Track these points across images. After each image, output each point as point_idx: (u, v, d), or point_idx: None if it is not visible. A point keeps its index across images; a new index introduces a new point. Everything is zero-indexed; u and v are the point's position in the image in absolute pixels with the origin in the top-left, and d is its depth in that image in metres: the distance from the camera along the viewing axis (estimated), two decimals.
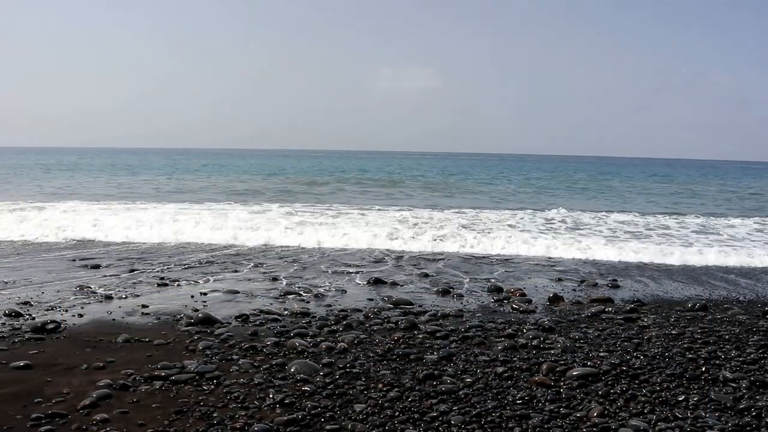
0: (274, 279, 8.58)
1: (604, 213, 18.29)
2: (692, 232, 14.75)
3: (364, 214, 16.48)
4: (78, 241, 11.96)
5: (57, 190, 24.12)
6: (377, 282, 8.44)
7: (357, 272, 9.27)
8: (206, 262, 9.83)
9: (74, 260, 9.67)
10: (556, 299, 7.61)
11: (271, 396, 4.15)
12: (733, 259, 11.14)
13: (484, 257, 11.18)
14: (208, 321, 6.08)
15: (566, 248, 11.84)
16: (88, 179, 31.82)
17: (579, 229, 14.80)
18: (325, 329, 5.88)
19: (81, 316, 6.26)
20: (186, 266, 9.44)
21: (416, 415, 3.86)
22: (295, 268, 9.56)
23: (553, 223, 15.66)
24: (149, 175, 36.75)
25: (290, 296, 7.49)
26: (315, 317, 6.39)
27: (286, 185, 29.77)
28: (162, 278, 8.36)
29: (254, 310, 6.67)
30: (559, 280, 9.05)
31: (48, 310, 6.45)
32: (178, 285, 8.02)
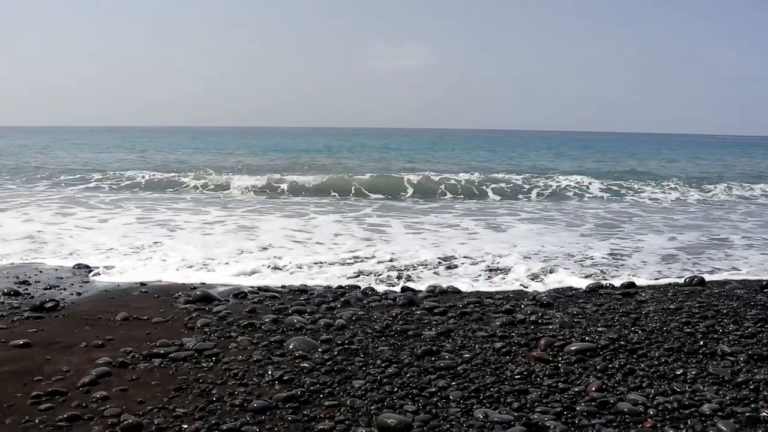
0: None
1: None
2: None
3: None
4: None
5: None
6: None
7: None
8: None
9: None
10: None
11: (269, 372, 4.16)
12: None
13: None
14: (207, 298, 6.08)
15: None
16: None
17: None
18: (324, 306, 5.89)
19: (79, 294, 6.26)
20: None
21: (415, 391, 3.87)
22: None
23: None
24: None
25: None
26: (313, 294, 6.39)
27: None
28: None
29: (252, 287, 6.67)
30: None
31: (46, 288, 6.44)
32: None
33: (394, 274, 7.49)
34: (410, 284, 6.93)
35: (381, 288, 6.75)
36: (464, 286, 6.91)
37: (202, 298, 6.08)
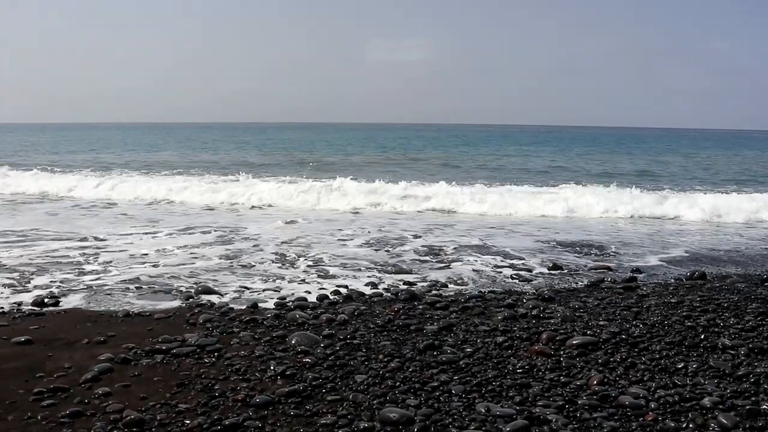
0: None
1: None
2: None
3: None
4: None
5: None
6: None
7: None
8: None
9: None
10: (555, 268, 7.62)
11: (272, 368, 4.16)
12: None
13: None
14: (209, 294, 6.08)
15: None
16: None
17: None
18: (325, 301, 5.89)
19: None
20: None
21: (417, 385, 3.88)
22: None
23: None
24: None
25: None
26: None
27: None
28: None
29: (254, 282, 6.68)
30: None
31: (47, 285, 6.44)
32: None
33: None
34: None
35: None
36: None
37: (204, 293, 6.08)
